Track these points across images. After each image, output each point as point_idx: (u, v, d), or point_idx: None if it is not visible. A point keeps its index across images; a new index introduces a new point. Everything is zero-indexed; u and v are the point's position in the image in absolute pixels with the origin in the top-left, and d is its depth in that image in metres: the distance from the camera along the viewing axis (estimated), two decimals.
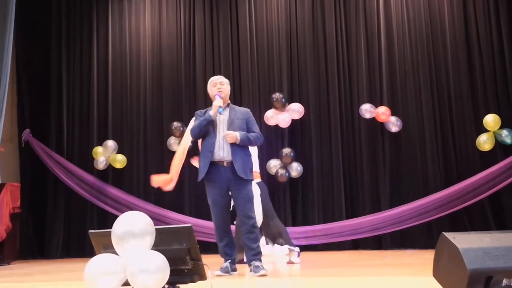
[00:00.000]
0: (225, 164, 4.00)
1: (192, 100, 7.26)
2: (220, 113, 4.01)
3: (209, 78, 4.43)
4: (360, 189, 6.68)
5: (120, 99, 7.61)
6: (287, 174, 6.68)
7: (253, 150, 4.74)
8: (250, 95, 7.14)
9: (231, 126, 4.07)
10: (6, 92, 6.72)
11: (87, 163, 7.41)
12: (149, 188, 7.02)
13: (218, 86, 4.19)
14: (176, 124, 7.03)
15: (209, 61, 7.35)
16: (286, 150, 6.73)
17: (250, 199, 4.03)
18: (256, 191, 4.63)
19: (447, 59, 6.54)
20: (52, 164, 7.36)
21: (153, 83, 7.51)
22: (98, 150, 7.28)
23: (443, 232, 2.35)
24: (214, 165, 4.00)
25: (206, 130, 4.05)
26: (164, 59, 7.51)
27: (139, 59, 7.62)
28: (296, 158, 6.77)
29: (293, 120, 6.83)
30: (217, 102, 4.04)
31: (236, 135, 3.98)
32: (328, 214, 6.68)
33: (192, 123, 4.84)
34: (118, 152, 7.30)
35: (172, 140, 7.08)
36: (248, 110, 4.31)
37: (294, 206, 6.82)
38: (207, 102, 6.71)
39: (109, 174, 7.34)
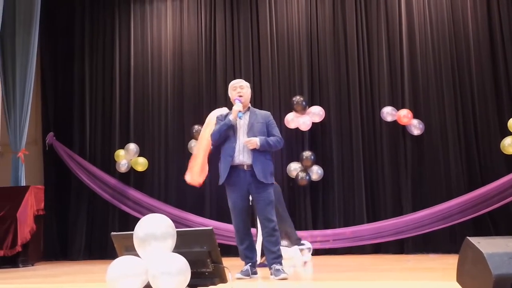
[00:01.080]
0: (245, 167, 4.00)
1: (213, 103, 7.24)
2: (239, 118, 4.02)
3: (230, 82, 4.42)
4: (381, 192, 6.62)
5: (141, 102, 7.69)
6: (307, 177, 6.66)
7: None
8: (271, 98, 7.14)
9: (251, 130, 4.06)
10: (31, 96, 6.84)
11: (109, 166, 7.47)
12: (170, 190, 7.17)
13: (238, 90, 4.18)
14: (197, 127, 7.02)
15: (230, 64, 7.37)
16: (307, 153, 6.72)
17: (271, 202, 4.01)
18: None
19: (470, 60, 6.46)
20: (75, 167, 7.45)
21: (174, 87, 7.57)
22: (120, 153, 7.34)
23: (467, 237, 2.30)
24: (234, 168, 4.01)
25: (226, 135, 4.06)
26: (185, 63, 7.56)
27: (161, 63, 7.69)
28: (316, 161, 6.75)
29: (313, 123, 6.81)
30: (237, 107, 4.04)
31: (256, 141, 3.97)
32: (349, 217, 6.64)
33: (208, 121, 4.92)
34: (139, 155, 7.35)
35: (193, 143, 7.06)
36: (268, 113, 4.29)
37: (314, 209, 6.80)
38: (228, 105, 6.57)
39: (131, 177, 7.39)
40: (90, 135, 7.73)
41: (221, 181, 4.04)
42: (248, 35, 7.34)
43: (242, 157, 4.00)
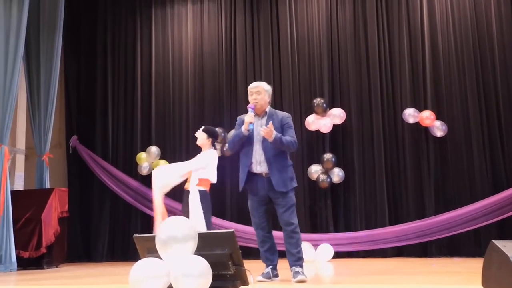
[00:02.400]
0: (264, 175, 3.95)
1: (233, 105, 7.33)
2: (249, 130, 3.90)
3: (250, 84, 4.35)
4: (404, 194, 6.57)
5: (163, 106, 7.78)
6: (328, 180, 6.65)
7: (212, 159, 4.63)
8: (291, 100, 7.14)
9: (266, 139, 3.89)
10: (55, 100, 6.95)
11: (131, 168, 7.56)
12: None
13: (254, 96, 4.02)
14: (217, 130, 6.93)
15: (250, 67, 7.41)
16: (328, 156, 6.70)
17: (291, 206, 3.96)
18: (196, 199, 4.52)
19: (494, 59, 6.38)
20: (98, 169, 7.55)
21: (195, 90, 7.66)
22: (142, 156, 7.41)
23: (493, 240, 2.27)
24: (253, 175, 3.97)
25: (242, 143, 3.98)
26: (206, 66, 7.64)
27: (181, 66, 7.77)
28: (337, 164, 6.73)
29: (334, 125, 6.79)
30: (248, 118, 3.91)
31: (272, 133, 3.81)
32: (371, 220, 6.62)
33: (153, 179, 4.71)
34: (161, 158, 7.39)
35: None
36: (287, 114, 4.12)
37: (336, 212, 6.79)
38: (248, 110, 6.73)
39: None
40: (113, 138, 7.84)
41: (240, 187, 4.01)
42: (268, 37, 7.36)
43: (259, 168, 3.94)
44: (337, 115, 6.76)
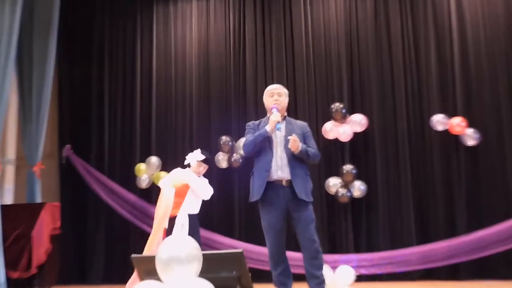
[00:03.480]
0: (283, 183, 3.99)
1: (242, 112, 7.32)
2: (278, 130, 4.00)
3: (261, 88, 4.45)
4: (432, 210, 6.54)
5: (164, 112, 7.75)
6: (348, 194, 6.63)
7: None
8: (306, 106, 7.12)
9: (287, 142, 4.03)
10: (47, 107, 6.94)
11: (129, 181, 7.50)
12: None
13: (276, 98, 4.17)
14: (224, 138, 7.07)
15: (261, 69, 7.39)
16: (347, 167, 6.68)
17: (313, 221, 4.00)
18: (185, 222, 4.77)
19: None
20: (93, 182, 7.53)
21: (199, 94, 7.62)
22: (141, 167, 7.35)
23: None
24: (270, 185, 3.99)
25: (261, 146, 4.05)
26: (212, 68, 7.62)
27: (185, 69, 7.76)
28: (358, 176, 6.72)
29: (354, 133, 6.77)
30: (275, 117, 4.01)
31: (299, 144, 3.96)
32: (396, 239, 6.58)
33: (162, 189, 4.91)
34: (162, 169, 7.33)
35: (220, 156, 7.11)
36: (305, 124, 4.30)
37: (356, 230, 6.76)
38: (259, 113, 6.83)
39: (153, 193, 7.34)
40: (109, 147, 7.82)
41: (255, 197, 4.02)
42: (281, 37, 7.36)
43: (280, 173, 3.99)
44: (357, 122, 6.73)
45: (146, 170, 7.36)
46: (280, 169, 3.99)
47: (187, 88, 7.72)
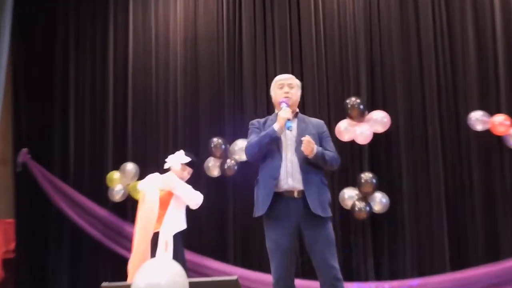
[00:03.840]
0: (295, 194, 3.95)
1: (237, 108, 7.32)
2: (288, 129, 3.96)
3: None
4: (470, 228, 6.50)
5: (143, 109, 7.77)
6: (367, 208, 6.53)
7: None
8: (316, 101, 7.05)
9: (300, 144, 3.98)
10: (0, 105, 6.96)
11: (100, 193, 7.52)
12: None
13: (286, 90, 4.16)
14: (216, 140, 7.02)
15: (261, 58, 7.34)
16: (366, 176, 6.58)
17: (331, 242, 3.97)
18: (170, 240, 4.93)
19: None
20: (55, 194, 7.50)
21: (185, 88, 7.64)
22: (114, 176, 7.37)
23: None
24: (279, 196, 3.95)
25: (268, 149, 4.03)
26: (201, 56, 7.62)
27: (168, 58, 7.76)
28: (379, 187, 6.63)
29: (375, 134, 6.68)
30: (285, 113, 3.97)
31: (314, 147, 3.91)
32: (425, 263, 6.55)
33: (141, 194, 5.12)
34: (140, 179, 7.18)
35: (211, 162, 7.08)
36: (322, 122, 4.30)
37: (377, 252, 6.72)
38: (258, 111, 6.97)
39: (128, 208, 7.36)
40: (75, 152, 7.83)
41: (260, 212, 4.00)
42: (285, 18, 7.31)
43: (291, 181, 3.95)
44: (378, 121, 6.64)
45: (120, 180, 7.36)
46: (290, 177, 3.96)
47: (170, 80, 7.72)
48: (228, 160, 6.95)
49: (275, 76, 7.41)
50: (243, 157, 6.76)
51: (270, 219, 3.99)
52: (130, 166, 7.37)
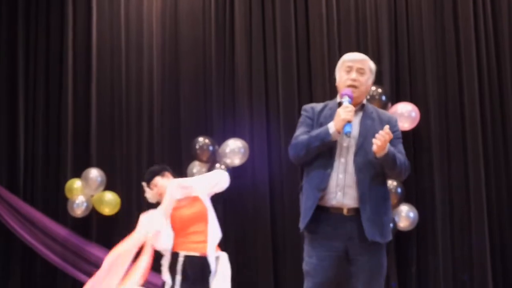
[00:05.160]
0: (345, 211, 3.71)
1: (228, 101, 7.26)
2: (346, 134, 3.63)
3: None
4: None
5: (110, 103, 7.69)
6: (391, 225, 6.00)
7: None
8: (327, 90, 6.86)
9: (361, 149, 3.74)
10: None
11: (57, 206, 7.47)
12: None
13: (354, 76, 3.80)
14: (202, 141, 6.89)
15: (257, 40, 7.27)
16: (390, 184, 6.26)
17: (381, 274, 3.79)
18: (227, 268, 4.95)
19: None
20: (2, 209, 7.37)
21: (164, 77, 7.57)
22: (75, 185, 7.27)
23: None
24: (325, 211, 3.73)
25: (318, 153, 3.77)
26: (183, 39, 7.53)
27: (142, 40, 7.67)
28: (406, 198, 6.52)
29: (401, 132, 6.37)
30: (345, 113, 3.64)
31: (387, 146, 3.59)
32: None
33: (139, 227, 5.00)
34: (106, 189, 7.28)
35: (195, 169, 6.91)
36: (395, 118, 3.99)
37: (404, 276, 6.65)
38: (253, 104, 7.04)
39: (93, 225, 7.36)
40: (26, 157, 7.74)
41: (303, 225, 3.80)
42: None
43: (340, 196, 3.71)
44: (404, 115, 6.52)
45: (82, 190, 7.25)
46: (341, 191, 3.73)
47: (145, 67, 7.62)
48: (217, 165, 6.81)
49: (275, 62, 7.44)
50: (235, 161, 6.78)
51: (312, 236, 3.82)
52: (94, 173, 7.25)
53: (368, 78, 3.87)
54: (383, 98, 6.48)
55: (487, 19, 6.74)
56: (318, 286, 3.77)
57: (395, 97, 6.74)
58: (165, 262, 4.89)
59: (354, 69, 3.81)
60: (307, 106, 4.00)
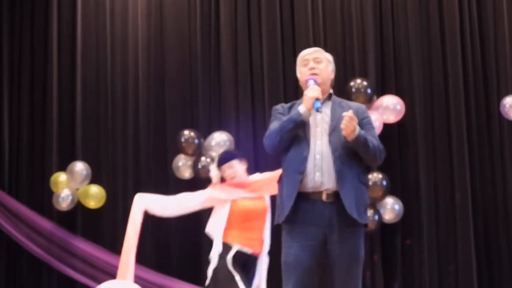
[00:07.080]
0: (324, 197, 3.72)
1: (215, 94, 7.30)
2: (317, 110, 3.74)
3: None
4: (504, 243, 6.48)
5: (95, 96, 7.70)
6: (376, 218, 6.45)
7: None
8: None
9: (335, 131, 3.79)
10: None
11: (41, 200, 7.47)
12: (144, 241, 6.73)
13: (311, 65, 3.91)
14: (187, 134, 6.95)
15: (243, 33, 7.30)
16: (375, 176, 6.48)
17: (359, 260, 3.79)
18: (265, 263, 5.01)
19: None
20: None
21: (149, 70, 7.60)
22: (60, 178, 7.26)
23: None
24: (304, 198, 3.75)
25: (292, 137, 3.84)
26: (168, 32, 7.59)
27: (127, 33, 7.70)
28: (391, 190, 6.55)
29: (385, 125, 6.62)
30: (312, 92, 3.75)
31: (357, 126, 3.65)
32: (448, 283, 6.55)
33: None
34: (91, 182, 7.29)
35: (180, 162, 7.01)
36: (363, 107, 4.09)
37: (388, 270, 6.67)
38: (239, 96, 7.09)
39: (78, 218, 7.34)
40: (10, 149, 7.75)
41: (281, 218, 3.82)
42: None
43: (318, 176, 3.74)
44: (390, 108, 6.60)
45: (67, 183, 7.24)
46: (319, 171, 3.77)
47: (130, 60, 7.65)
48: (203, 158, 6.85)
49: (260, 55, 7.45)
50: None
51: (291, 226, 3.82)
52: (79, 167, 7.25)
53: (326, 66, 4.00)
54: (369, 91, 6.56)
55: (472, 11, 6.82)
56: (299, 276, 3.78)
57: (381, 90, 6.77)
58: (215, 253, 4.97)
59: (311, 60, 3.96)
60: (277, 106, 4.13)
